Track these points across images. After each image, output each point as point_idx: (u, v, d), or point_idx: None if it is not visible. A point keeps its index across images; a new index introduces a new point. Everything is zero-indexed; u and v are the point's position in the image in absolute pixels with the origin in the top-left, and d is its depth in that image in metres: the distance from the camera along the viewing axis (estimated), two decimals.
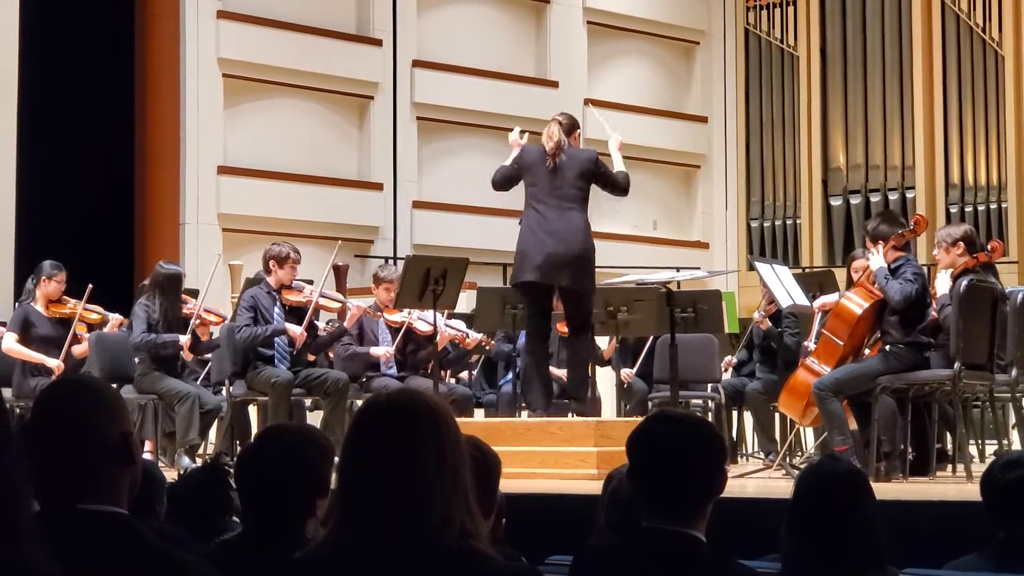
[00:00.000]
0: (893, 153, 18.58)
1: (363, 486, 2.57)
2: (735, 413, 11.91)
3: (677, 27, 19.68)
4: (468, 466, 2.61)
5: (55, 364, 10.86)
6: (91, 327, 11.25)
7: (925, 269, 9.53)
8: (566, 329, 9.54)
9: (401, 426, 2.57)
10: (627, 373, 11.85)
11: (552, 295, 9.25)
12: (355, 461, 2.61)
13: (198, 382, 11.25)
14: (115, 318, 11.29)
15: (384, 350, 11.00)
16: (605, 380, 12.58)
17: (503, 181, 9.40)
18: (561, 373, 10.28)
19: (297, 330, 10.42)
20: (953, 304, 8.55)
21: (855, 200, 18.72)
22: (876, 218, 9.28)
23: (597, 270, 9.33)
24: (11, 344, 10.92)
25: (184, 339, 10.58)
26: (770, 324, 10.93)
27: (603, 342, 11.87)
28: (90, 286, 11.07)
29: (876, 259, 8.71)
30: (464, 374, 12.46)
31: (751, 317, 11.36)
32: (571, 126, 9.31)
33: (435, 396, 2.71)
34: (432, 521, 2.51)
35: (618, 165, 9.49)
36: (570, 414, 9.25)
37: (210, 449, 11.28)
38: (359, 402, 10.69)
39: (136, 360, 10.74)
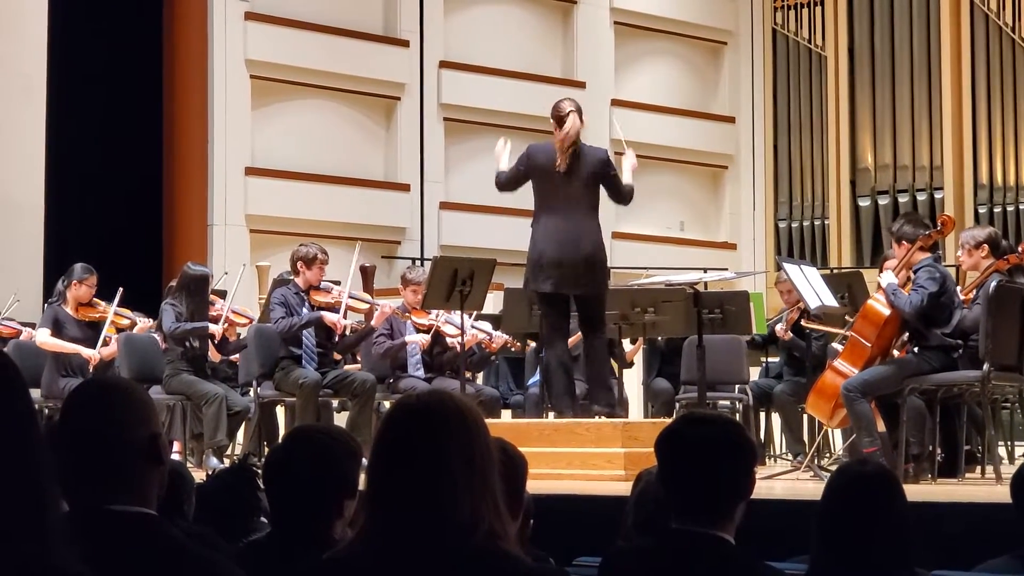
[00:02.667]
0: (921, 153, 18.53)
1: (392, 487, 2.57)
2: (763, 414, 11.88)
3: (704, 27, 19.66)
4: (497, 468, 2.61)
5: (91, 354, 10.91)
6: (120, 331, 11.28)
7: (953, 271, 9.50)
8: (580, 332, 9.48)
9: (431, 427, 2.57)
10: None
11: (569, 298, 9.18)
12: (385, 462, 2.60)
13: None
14: (144, 322, 11.33)
15: (421, 338, 10.99)
16: (632, 382, 12.57)
17: (508, 182, 9.25)
18: None
19: (333, 317, 10.46)
20: (982, 305, 8.52)
21: (883, 201, 18.67)
22: (900, 219, 9.25)
23: (624, 271, 9.31)
24: (45, 338, 10.97)
25: (215, 328, 10.65)
26: (792, 335, 10.89)
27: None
28: (120, 290, 11.12)
29: (886, 276, 8.73)
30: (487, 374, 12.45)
31: (778, 316, 11.31)
32: (581, 113, 9.14)
33: (465, 398, 2.71)
34: (460, 523, 2.51)
35: (627, 179, 9.33)
36: (597, 416, 9.21)
37: (238, 450, 11.30)
38: (386, 403, 10.72)
39: (165, 361, 10.78)
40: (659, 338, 11.90)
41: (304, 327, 10.46)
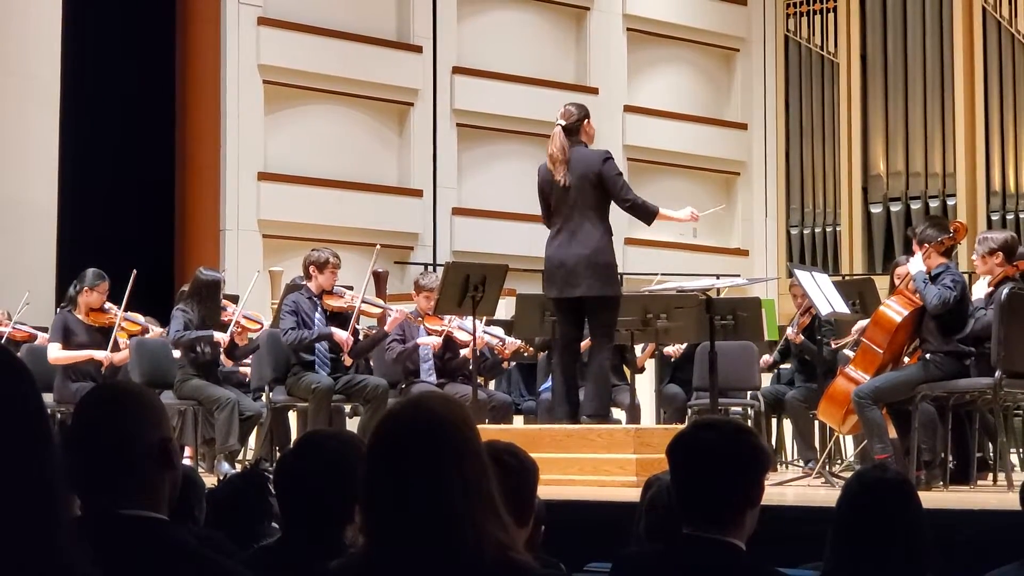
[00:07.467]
0: (934, 160, 18.51)
1: (387, 510, 2.51)
2: (775, 421, 11.88)
3: (717, 34, 19.66)
4: (492, 474, 2.54)
5: (104, 356, 10.92)
6: (131, 336, 11.30)
7: (966, 277, 9.49)
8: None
9: (417, 450, 2.50)
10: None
11: (581, 305, 9.14)
12: (378, 477, 2.54)
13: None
14: (155, 330, 11.36)
15: (433, 340, 10.99)
16: (644, 388, 12.56)
17: (545, 218, 9.27)
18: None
19: (343, 335, 10.45)
20: (994, 312, 8.51)
21: (895, 207, 18.66)
22: (925, 222, 9.26)
23: (637, 277, 9.27)
24: (56, 353, 10.98)
25: (220, 336, 10.63)
26: (804, 339, 10.89)
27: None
28: (134, 272, 11.11)
29: (916, 263, 8.67)
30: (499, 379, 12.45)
31: (788, 325, 11.32)
32: (578, 119, 9.08)
33: (450, 402, 2.61)
34: (466, 542, 2.46)
35: (671, 213, 9.38)
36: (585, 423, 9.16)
37: (249, 455, 11.31)
38: None
39: (177, 366, 10.78)
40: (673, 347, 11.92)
41: (313, 342, 10.44)
